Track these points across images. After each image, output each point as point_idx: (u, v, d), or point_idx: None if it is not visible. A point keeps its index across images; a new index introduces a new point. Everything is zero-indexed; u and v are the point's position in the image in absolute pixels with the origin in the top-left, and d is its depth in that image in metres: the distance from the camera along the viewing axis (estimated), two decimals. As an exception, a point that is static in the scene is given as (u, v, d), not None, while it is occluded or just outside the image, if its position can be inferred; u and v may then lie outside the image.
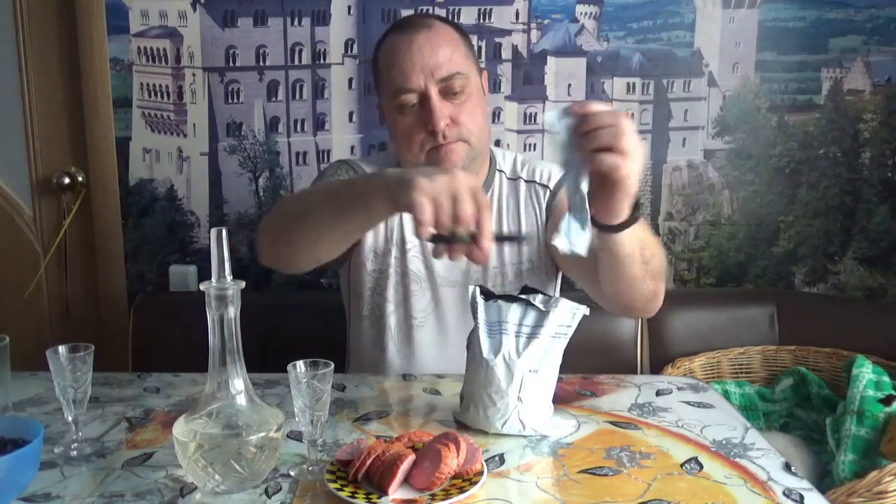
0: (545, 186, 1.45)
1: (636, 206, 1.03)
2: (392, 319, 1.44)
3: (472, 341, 1.09)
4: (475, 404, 1.07)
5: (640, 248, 1.10)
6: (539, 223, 1.44)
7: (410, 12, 2.10)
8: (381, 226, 1.42)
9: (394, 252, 1.42)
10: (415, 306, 1.42)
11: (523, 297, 1.07)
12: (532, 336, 1.05)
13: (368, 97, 2.17)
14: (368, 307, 1.46)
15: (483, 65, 2.07)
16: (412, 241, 1.42)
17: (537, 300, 1.05)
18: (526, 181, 1.46)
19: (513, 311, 1.06)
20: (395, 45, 1.33)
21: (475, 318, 1.08)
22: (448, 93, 1.31)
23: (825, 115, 2.19)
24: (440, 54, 1.30)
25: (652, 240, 1.15)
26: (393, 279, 1.43)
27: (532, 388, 1.04)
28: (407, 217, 1.39)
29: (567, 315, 1.05)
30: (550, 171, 1.46)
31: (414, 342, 1.43)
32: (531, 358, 1.04)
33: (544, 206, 1.44)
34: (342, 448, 0.97)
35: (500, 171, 1.47)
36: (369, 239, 1.43)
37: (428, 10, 2.09)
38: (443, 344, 1.43)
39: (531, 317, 1.06)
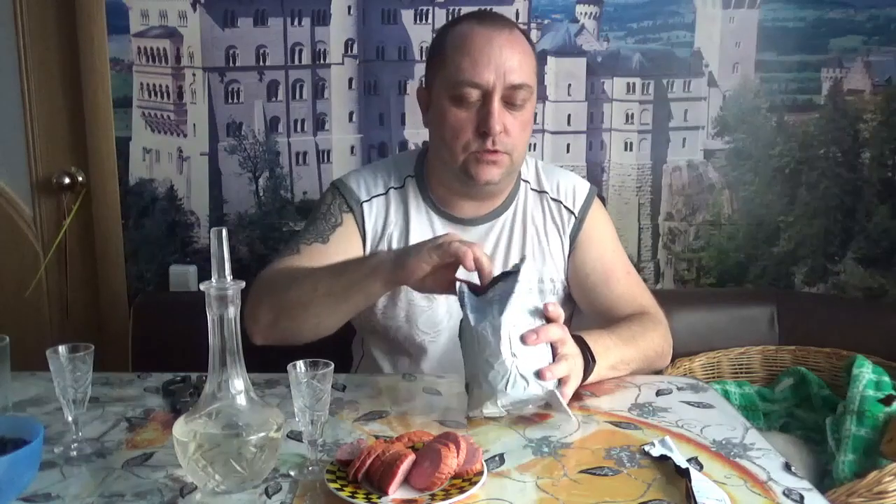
0: (571, 212, 1.43)
1: (587, 366, 1.15)
2: (401, 335, 1.40)
3: (463, 327, 1.10)
4: (477, 380, 1.07)
5: (614, 371, 1.24)
6: (563, 246, 1.43)
7: (410, 12, 2.11)
8: (376, 247, 1.39)
9: None
10: (426, 322, 1.38)
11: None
12: (506, 296, 1.06)
13: (368, 97, 2.18)
14: (375, 325, 1.42)
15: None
16: None
17: (509, 266, 1.09)
18: (553, 199, 1.43)
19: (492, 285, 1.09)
20: (473, 35, 1.27)
21: (463, 308, 1.09)
22: (510, 102, 1.27)
23: (825, 115, 2.19)
24: (516, 60, 1.26)
25: (627, 353, 1.26)
26: (397, 298, 1.38)
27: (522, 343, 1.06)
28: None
29: (533, 271, 1.08)
30: (574, 190, 1.44)
31: (427, 357, 1.40)
32: (512, 314, 1.06)
33: (569, 232, 1.42)
34: (342, 448, 0.97)
35: (525, 180, 1.44)
36: None
37: (428, 10, 2.10)
38: (459, 358, 1.40)
39: (506, 282, 1.08)
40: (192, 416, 0.93)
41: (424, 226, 1.39)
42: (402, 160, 1.46)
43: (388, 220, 1.40)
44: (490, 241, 1.40)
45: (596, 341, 1.20)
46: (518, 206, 1.42)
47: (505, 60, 1.25)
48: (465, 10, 2.07)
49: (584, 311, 1.46)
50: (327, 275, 1.22)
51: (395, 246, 1.39)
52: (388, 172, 1.43)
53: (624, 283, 1.42)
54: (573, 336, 1.15)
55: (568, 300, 1.46)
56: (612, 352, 1.22)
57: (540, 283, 1.41)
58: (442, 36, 1.33)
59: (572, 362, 1.10)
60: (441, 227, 1.39)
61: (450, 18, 2.05)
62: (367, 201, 1.40)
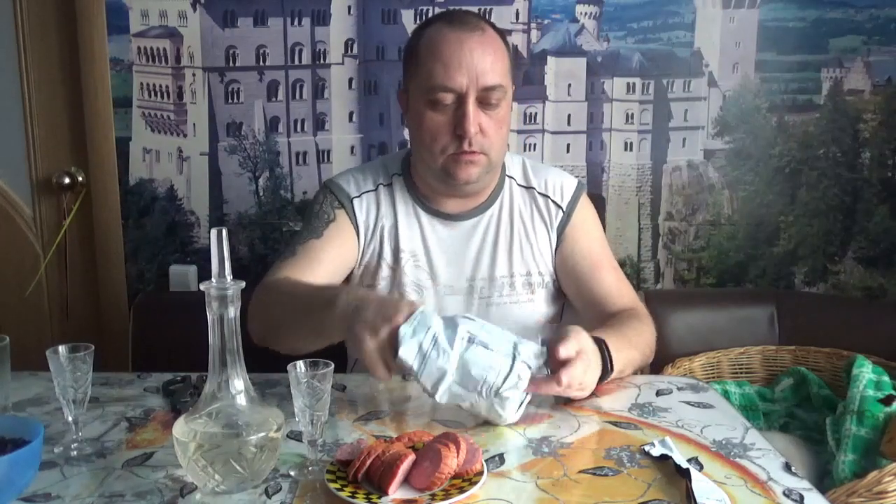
0: (559, 206, 1.44)
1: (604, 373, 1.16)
2: None
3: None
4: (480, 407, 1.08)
5: (620, 375, 1.23)
6: (551, 240, 1.44)
7: (410, 12, 2.11)
8: (370, 242, 1.41)
9: (385, 266, 1.40)
10: None
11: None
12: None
13: (368, 97, 2.18)
14: None
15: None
16: (409, 252, 1.40)
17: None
18: (540, 194, 1.44)
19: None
20: (445, 39, 1.28)
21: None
22: (484, 102, 1.28)
23: (825, 115, 2.19)
24: (488, 61, 1.27)
25: (633, 355, 1.27)
26: (386, 292, 1.40)
27: (476, 378, 1.03)
28: (395, 230, 1.41)
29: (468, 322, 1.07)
30: (562, 185, 1.45)
31: None
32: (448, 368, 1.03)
33: (556, 225, 1.43)
34: (342, 448, 0.97)
35: (511, 176, 1.45)
36: (359, 256, 1.41)
37: (428, 10, 2.10)
38: None
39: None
40: (192, 416, 0.93)
41: (412, 221, 1.41)
42: (390, 160, 1.49)
43: (378, 214, 1.42)
44: (477, 236, 1.42)
45: (613, 345, 1.19)
46: (504, 202, 1.44)
47: (476, 63, 1.27)
48: (465, 9, 2.09)
49: (574, 304, 1.46)
50: (302, 308, 1.19)
51: (387, 240, 1.41)
52: (377, 171, 1.45)
53: (612, 276, 1.44)
54: (594, 337, 1.16)
55: (558, 295, 1.47)
56: (622, 354, 1.22)
57: (528, 276, 1.42)
58: (415, 40, 1.34)
59: (586, 366, 1.11)
60: (428, 223, 1.41)
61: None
62: (357, 197, 1.42)
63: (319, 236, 1.38)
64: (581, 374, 1.09)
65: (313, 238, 1.38)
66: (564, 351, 1.08)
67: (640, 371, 1.35)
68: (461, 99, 1.27)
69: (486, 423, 1.10)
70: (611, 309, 1.38)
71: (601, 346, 1.16)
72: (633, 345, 1.28)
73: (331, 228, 1.39)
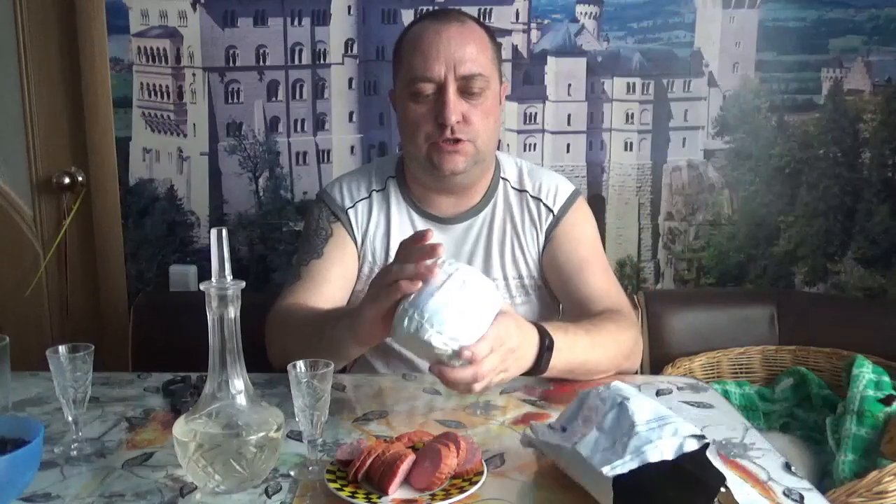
0: (550, 210, 1.42)
1: (538, 359, 1.11)
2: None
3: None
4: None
5: (569, 371, 1.19)
6: (539, 242, 1.42)
7: (410, 12, 2.11)
8: (366, 250, 1.41)
9: (376, 270, 1.39)
10: None
11: None
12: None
13: (368, 97, 2.18)
14: None
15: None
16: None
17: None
18: (532, 197, 1.43)
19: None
20: (423, 32, 1.30)
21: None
22: (466, 91, 1.29)
23: (825, 115, 2.19)
24: (467, 51, 1.28)
25: (589, 355, 1.21)
26: None
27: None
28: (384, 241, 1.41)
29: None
30: (557, 190, 1.44)
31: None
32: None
33: (545, 228, 1.42)
34: (342, 448, 0.97)
35: (505, 178, 1.44)
36: (359, 265, 1.42)
37: (428, 9, 2.09)
38: None
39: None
40: (192, 416, 0.93)
41: (405, 224, 1.41)
42: (384, 163, 1.49)
43: (370, 221, 1.42)
44: (470, 239, 1.41)
45: (562, 342, 1.14)
46: (498, 204, 1.43)
47: (454, 52, 1.28)
48: (465, 9, 2.08)
49: (563, 305, 1.44)
50: (315, 333, 1.20)
51: (379, 246, 1.41)
52: (370, 176, 1.45)
53: (600, 277, 1.40)
54: (536, 324, 1.12)
55: (551, 299, 1.45)
56: (575, 352, 1.18)
57: (521, 279, 1.42)
58: (401, 38, 1.36)
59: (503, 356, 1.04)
60: (421, 225, 1.40)
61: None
62: (351, 207, 1.42)
63: (321, 256, 1.39)
64: (490, 368, 1.00)
65: (315, 258, 1.39)
66: (476, 351, 0.99)
67: (638, 371, 1.34)
68: (441, 88, 1.28)
69: (486, 423, 1.10)
70: (594, 309, 1.33)
71: (543, 341, 1.11)
72: (596, 344, 1.22)
73: (330, 245, 1.40)
